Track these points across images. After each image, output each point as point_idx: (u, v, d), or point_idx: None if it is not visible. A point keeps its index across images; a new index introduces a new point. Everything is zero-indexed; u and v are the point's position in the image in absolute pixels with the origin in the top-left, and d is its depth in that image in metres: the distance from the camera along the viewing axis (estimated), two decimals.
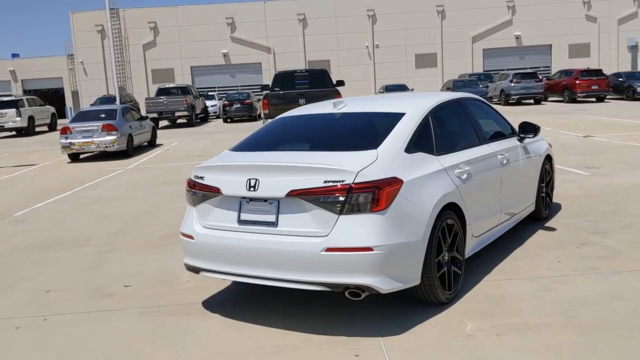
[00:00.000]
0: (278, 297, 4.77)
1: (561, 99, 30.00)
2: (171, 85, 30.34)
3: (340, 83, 16.18)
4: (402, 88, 33.34)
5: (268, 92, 15.73)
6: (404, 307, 4.39)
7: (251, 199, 4.15)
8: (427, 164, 4.42)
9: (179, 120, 29.51)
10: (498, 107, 27.53)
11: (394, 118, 4.68)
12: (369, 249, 3.81)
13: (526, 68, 40.49)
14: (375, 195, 3.87)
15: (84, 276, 5.67)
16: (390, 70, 41.73)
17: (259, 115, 29.28)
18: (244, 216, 4.19)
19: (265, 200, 4.10)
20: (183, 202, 8.83)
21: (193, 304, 4.77)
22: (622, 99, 29.39)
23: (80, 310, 4.80)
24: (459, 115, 5.32)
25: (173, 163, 14.30)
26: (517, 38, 42.10)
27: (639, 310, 4.10)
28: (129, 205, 9.20)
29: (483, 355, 3.58)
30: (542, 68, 41.71)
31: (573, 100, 29.07)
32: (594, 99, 29.46)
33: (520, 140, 5.99)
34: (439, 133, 4.81)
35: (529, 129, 6.01)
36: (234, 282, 5.13)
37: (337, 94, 14.59)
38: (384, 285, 3.88)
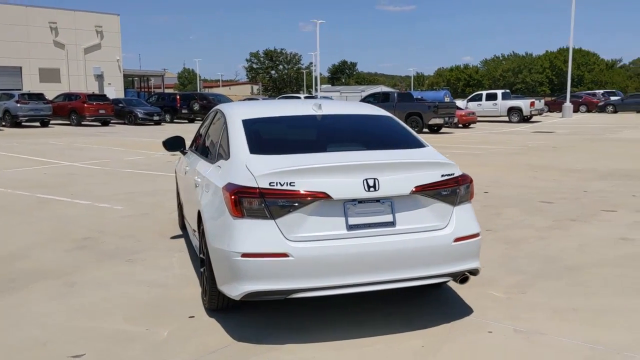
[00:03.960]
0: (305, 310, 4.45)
1: (68, 122, 30.07)
2: None
3: None
4: None
5: None
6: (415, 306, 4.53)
7: (360, 201, 3.85)
8: None
9: None
10: (6, 130, 26.11)
11: (390, 119, 5.02)
12: (477, 234, 4.15)
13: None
14: (470, 187, 4.26)
15: None
16: None
17: None
18: (353, 220, 3.83)
19: (377, 200, 3.89)
20: None
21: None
22: (124, 123, 31.68)
23: None
24: None
25: None
26: None
27: None
28: None
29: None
30: (13, 90, 39.77)
31: (80, 124, 29.69)
32: (100, 123, 30.74)
33: None
34: None
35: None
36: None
37: None
38: (480, 265, 4.25)
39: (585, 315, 4.32)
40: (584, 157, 14.72)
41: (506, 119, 32.63)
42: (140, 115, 31.26)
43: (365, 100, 28.36)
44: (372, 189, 3.84)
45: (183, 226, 7.02)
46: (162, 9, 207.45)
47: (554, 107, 41.43)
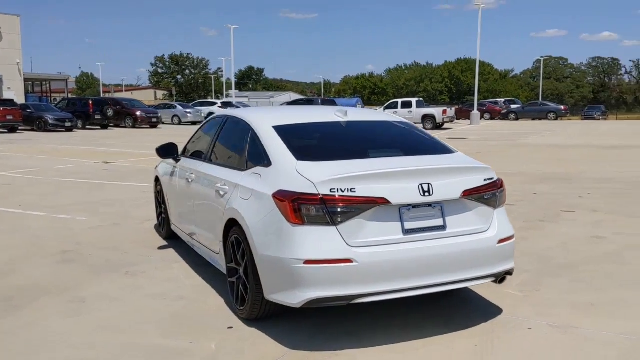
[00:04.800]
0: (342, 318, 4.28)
1: None
2: None
3: None
4: None
5: None
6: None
7: (414, 206, 3.94)
8: None
9: None
10: None
11: (410, 125, 5.23)
12: (513, 236, 4.36)
13: None
14: (504, 191, 4.47)
15: None
16: None
17: None
18: (408, 225, 3.92)
19: (429, 205, 3.99)
20: None
21: None
22: (33, 129, 29.95)
23: None
24: None
25: None
26: None
27: None
28: None
29: None
30: None
31: None
32: (7, 130, 28.90)
33: None
34: None
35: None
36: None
37: None
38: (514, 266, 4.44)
39: (604, 308, 4.63)
40: (511, 162, 15.54)
41: (420, 126, 33.85)
42: (50, 122, 29.61)
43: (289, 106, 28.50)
44: (426, 193, 3.95)
45: (169, 236, 6.81)
46: (55, 11, 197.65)
47: (461, 114, 43.46)
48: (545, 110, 44.82)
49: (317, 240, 3.78)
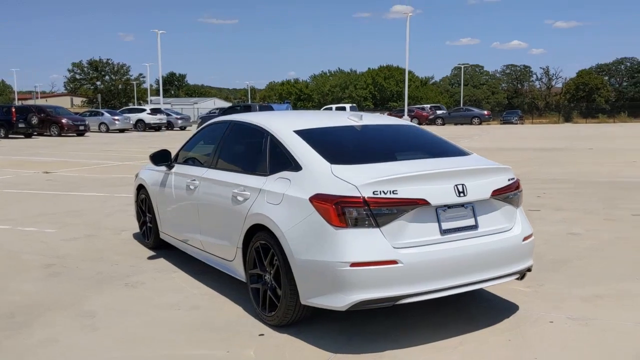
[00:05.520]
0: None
1: None
2: None
3: None
4: None
5: None
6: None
7: (449, 206, 4.05)
8: None
9: None
10: None
11: (421, 128, 5.43)
12: (532, 234, 4.52)
13: None
14: (522, 191, 4.63)
15: None
16: None
17: None
18: (445, 225, 4.01)
19: (462, 205, 4.10)
20: None
21: None
22: None
23: None
24: None
25: None
26: None
27: None
28: None
29: None
30: None
31: None
32: None
33: None
34: None
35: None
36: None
37: None
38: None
39: (611, 300, 4.89)
40: None
41: None
42: None
43: (226, 112, 28.21)
44: (461, 194, 4.06)
45: (157, 246, 6.62)
46: None
47: None
48: (470, 115, 46.61)
49: (362, 243, 3.81)
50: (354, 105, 38.42)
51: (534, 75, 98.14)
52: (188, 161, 5.96)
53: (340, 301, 3.84)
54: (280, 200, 4.26)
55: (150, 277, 5.67)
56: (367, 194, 3.82)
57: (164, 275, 5.76)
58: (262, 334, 4.27)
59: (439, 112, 48.65)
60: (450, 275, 3.98)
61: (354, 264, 3.77)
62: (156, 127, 41.03)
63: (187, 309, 4.82)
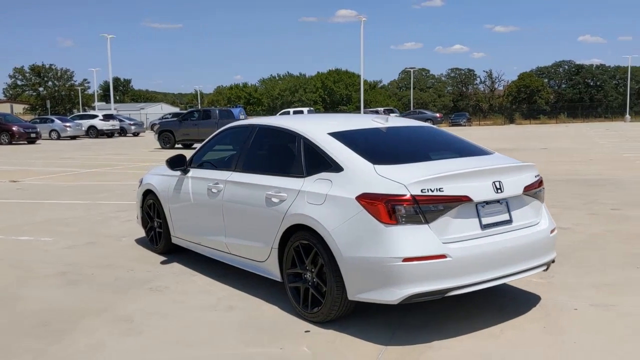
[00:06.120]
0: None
1: None
2: None
3: None
4: None
5: None
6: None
7: (487, 202, 4.27)
8: None
9: None
10: None
11: (440, 129, 5.73)
12: (555, 228, 4.81)
13: None
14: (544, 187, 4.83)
15: None
16: None
17: None
18: (484, 220, 4.23)
19: (498, 201, 4.33)
20: None
21: None
22: None
23: None
24: None
25: None
26: None
27: None
28: None
29: None
30: None
31: None
32: None
33: None
34: None
35: None
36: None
37: None
38: None
39: (622, 287, 5.22)
40: None
41: None
42: None
43: (184, 118, 27.92)
44: (499, 190, 4.30)
45: (167, 251, 6.63)
46: None
47: None
48: (422, 118, 47.44)
49: (413, 239, 3.99)
50: (312, 109, 38.59)
51: (478, 79, 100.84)
52: (204, 165, 6.01)
53: (393, 295, 4.00)
54: (323, 201, 4.39)
55: (172, 281, 5.69)
56: (415, 192, 4.00)
57: (185, 278, 5.79)
58: (308, 331, 4.39)
59: (392, 114, 49.38)
60: (492, 267, 4.21)
61: (406, 259, 3.94)
62: (109, 134, 40.19)
63: (223, 310, 4.89)
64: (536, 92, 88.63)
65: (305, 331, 4.39)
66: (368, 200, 4.09)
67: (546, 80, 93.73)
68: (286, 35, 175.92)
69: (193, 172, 6.02)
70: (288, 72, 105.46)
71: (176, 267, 6.22)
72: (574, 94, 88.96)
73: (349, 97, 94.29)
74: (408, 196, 4.00)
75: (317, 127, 4.96)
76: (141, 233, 7.65)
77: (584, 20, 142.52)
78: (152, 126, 51.02)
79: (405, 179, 4.07)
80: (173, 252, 6.62)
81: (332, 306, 4.34)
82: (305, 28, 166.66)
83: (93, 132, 39.46)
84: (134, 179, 14.43)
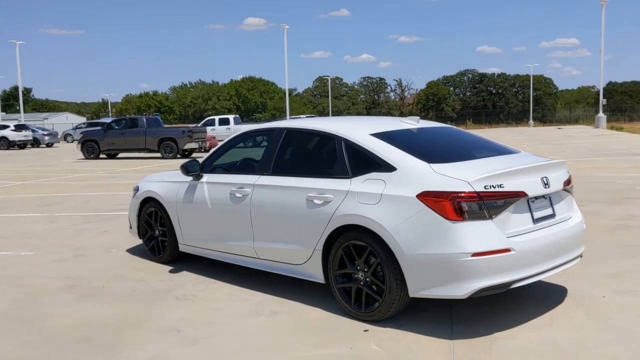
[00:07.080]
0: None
1: None
2: None
3: None
4: None
5: None
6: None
7: (536, 198, 4.48)
8: None
9: None
10: None
11: (462, 130, 6.01)
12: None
13: None
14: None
15: None
16: None
17: None
18: (536, 214, 4.44)
19: (544, 196, 4.56)
20: None
21: None
22: None
23: None
24: None
25: None
26: None
27: None
28: None
29: None
30: None
31: None
32: None
33: None
34: None
35: None
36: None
37: None
38: None
39: (633, 275, 5.60)
40: None
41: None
42: None
43: (109, 127, 26.88)
44: (547, 186, 4.53)
45: (172, 259, 6.43)
46: None
47: None
48: None
49: (479, 234, 4.12)
50: (237, 116, 38.18)
51: (389, 87, 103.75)
52: (217, 170, 5.89)
53: (462, 290, 4.11)
54: (377, 200, 4.43)
55: (196, 290, 5.53)
56: (479, 188, 4.15)
57: (207, 286, 5.64)
58: (367, 330, 4.42)
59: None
60: (547, 259, 4.44)
61: (475, 254, 4.06)
62: (21, 145, 38.00)
63: (267, 315, 4.82)
64: (443, 99, 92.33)
65: (364, 330, 4.41)
66: (431, 198, 4.18)
67: (452, 88, 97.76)
68: (195, 42, 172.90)
69: (208, 178, 5.88)
70: (200, 80, 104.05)
71: (190, 275, 6.03)
72: (478, 101, 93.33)
73: (264, 105, 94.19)
74: (473, 192, 4.13)
75: (358, 129, 5.00)
76: (129, 243, 7.40)
77: (481, 31, 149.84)
78: (65, 136, 48.76)
79: (467, 176, 4.20)
80: (177, 261, 6.43)
81: (391, 304, 4.39)
82: (213, 35, 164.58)
83: (4, 143, 37.20)
84: (78, 190, 13.82)
